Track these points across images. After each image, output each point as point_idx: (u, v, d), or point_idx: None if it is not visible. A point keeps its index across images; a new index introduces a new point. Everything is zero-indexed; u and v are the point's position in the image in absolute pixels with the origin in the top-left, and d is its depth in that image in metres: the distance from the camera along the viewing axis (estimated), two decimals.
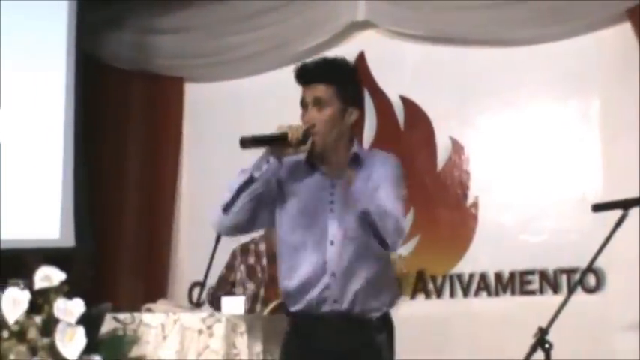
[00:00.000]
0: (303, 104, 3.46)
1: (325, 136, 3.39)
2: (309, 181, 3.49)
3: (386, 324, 3.51)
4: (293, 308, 3.49)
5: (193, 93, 6.60)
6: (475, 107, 5.67)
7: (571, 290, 3.90)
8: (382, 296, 3.47)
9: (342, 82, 3.45)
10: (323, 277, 3.41)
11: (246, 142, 3.34)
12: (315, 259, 3.41)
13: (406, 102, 5.86)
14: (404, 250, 5.55)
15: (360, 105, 3.53)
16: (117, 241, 6.49)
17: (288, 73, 5.93)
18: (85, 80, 6.09)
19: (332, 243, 3.42)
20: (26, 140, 5.82)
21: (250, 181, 3.39)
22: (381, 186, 3.36)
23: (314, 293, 3.42)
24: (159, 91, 6.65)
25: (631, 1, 5.11)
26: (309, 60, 3.57)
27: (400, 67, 5.91)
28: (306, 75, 3.47)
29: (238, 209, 3.41)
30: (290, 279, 3.47)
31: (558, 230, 5.30)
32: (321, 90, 3.42)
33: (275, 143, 3.36)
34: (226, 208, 3.43)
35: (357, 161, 3.45)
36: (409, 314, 5.27)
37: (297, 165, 3.50)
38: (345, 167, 3.42)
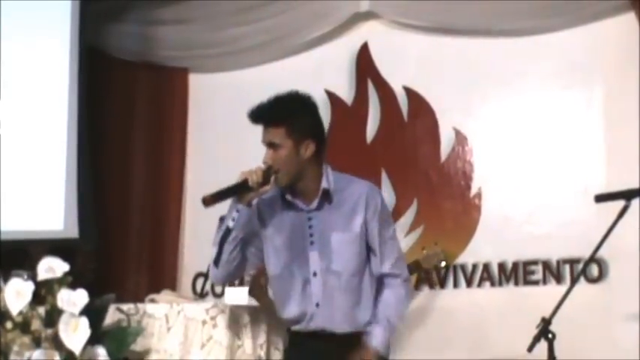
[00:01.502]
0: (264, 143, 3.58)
1: (284, 174, 3.52)
2: (287, 215, 3.61)
3: None
4: (290, 327, 3.67)
5: (198, 84, 6.58)
6: (478, 98, 5.65)
7: (574, 280, 3.90)
8: (370, 320, 3.59)
9: (290, 120, 3.53)
10: (308, 308, 3.57)
11: (208, 200, 3.45)
12: (300, 290, 3.57)
13: (410, 93, 5.84)
14: (408, 240, 5.55)
15: (316, 134, 3.59)
16: (122, 232, 6.47)
17: (292, 63, 6.06)
18: (89, 72, 6.07)
19: (315, 274, 3.55)
20: (30, 132, 5.80)
21: (228, 232, 3.53)
22: (383, 252, 3.58)
23: (303, 323, 3.58)
24: (163, 82, 6.64)
25: None
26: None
27: (404, 58, 5.90)
28: (256, 119, 3.59)
29: (226, 259, 3.57)
30: (281, 307, 3.64)
31: (561, 221, 5.28)
32: (271, 133, 3.54)
33: (238, 191, 3.46)
34: (216, 262, 3.60)
35: (327, 196, 3.57)
36: (413, 305, 5.28)
37: (275, 200, 3.62)
38: (316, 198, 3.55)
